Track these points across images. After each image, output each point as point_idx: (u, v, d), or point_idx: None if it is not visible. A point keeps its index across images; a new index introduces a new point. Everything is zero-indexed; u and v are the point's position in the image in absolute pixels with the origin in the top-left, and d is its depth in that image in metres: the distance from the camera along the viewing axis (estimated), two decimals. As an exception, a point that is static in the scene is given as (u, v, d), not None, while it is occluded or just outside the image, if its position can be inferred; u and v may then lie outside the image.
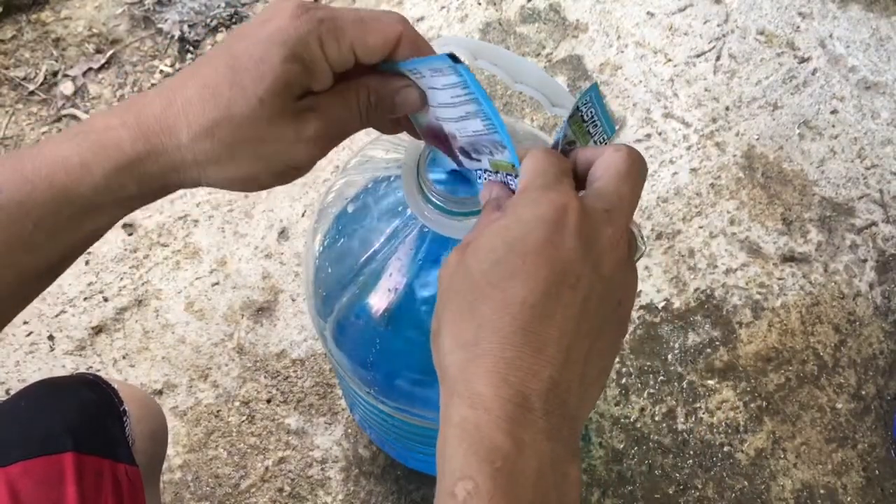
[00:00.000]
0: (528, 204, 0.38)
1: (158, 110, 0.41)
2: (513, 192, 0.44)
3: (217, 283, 1.12)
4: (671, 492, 1.04)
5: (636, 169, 0.40)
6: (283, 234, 1.15)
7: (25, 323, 1.09)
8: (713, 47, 1.31)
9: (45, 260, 0.42)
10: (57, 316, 1.09)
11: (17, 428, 0.61)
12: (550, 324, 0.36)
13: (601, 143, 0.45)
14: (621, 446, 1.06)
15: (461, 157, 0.48)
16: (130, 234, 1.14)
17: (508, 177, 0.45)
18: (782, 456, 1.06)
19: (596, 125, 0.44)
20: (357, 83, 0.44)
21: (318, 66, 0.41)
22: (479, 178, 0.48)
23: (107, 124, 0.41)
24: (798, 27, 1.33)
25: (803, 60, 1.30)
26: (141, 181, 0.41)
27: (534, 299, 0.36)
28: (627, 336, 1.11)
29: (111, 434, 0.64)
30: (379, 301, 0.63)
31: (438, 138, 0.48)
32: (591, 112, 0.43)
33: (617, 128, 1.24)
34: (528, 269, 0.36)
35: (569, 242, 0.36)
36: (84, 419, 0.62)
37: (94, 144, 0.40)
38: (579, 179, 0.41)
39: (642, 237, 0.42)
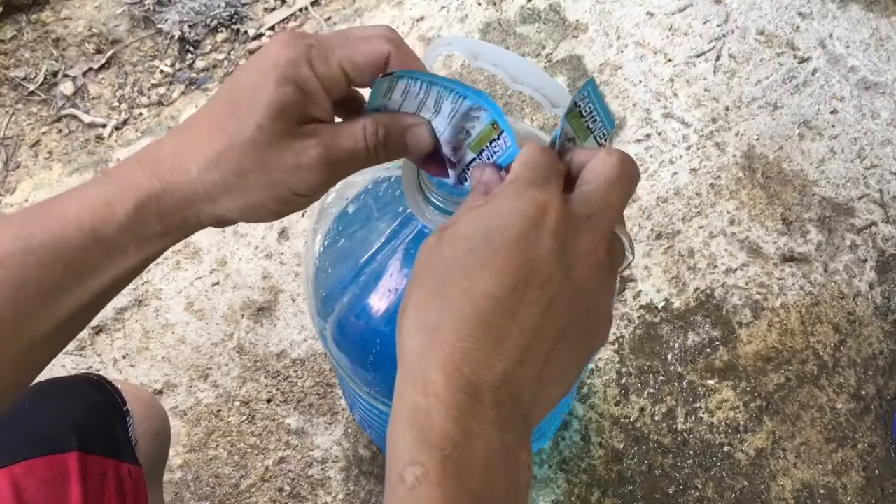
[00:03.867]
0: (510, 196, 0.38)
1: (170, 150, 0.43)
2: (501, 173, 0.43)
3: (217, 283, 1.12)
4: (671, 492, 1.04)
5: (626, 176, 0.39)
6: (283, 234, 1.15)
7: (25, 323, 1.09)
8: (713, 47, 1.31)
9: (77, 303, 0.43)
10: (57, 316, 1.09)
11: (22, 427, 0.61)
12: (512, 319, 0.36)
13: (601, 137, 0.45)
14: (621, 446, 1.06)
15: (450, 160, 0.48)
16: (130, 234, 1.14)
17: (493, 143, 0.45)
18: (782, 456, 1.06)
19: (595, 120, 0.44)
20: (365, 116, 0.45)
21: (312, 86, 0.42)
22: (469, 178, 0.48)
23: (128, 167, 0.43)
24: (798, 27, 1.33)
25: (803, 60, 1.30)
26: (161, 217, 0.43)
27: (500, 293, 0.36)
28: (627, 336, 1.11)
29: (115, 434, 0.65)
30: (379, 301, 0.63)
31: (433, 159, 0.48)
32: (590, 107, 0.43)
33: (616, 122, 1.24)
34: (500, 262, 0.36)
35: (544, 241, 0.36)
36: (88, 419, 0.63)
37: (116, 186, 0.42)
38: (572, 181, 0.41)
39: (631, 247, 0.42)
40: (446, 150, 0.47)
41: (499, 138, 0.44)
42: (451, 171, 0.48)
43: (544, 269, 0.36)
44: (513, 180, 0.38)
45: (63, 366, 1.07)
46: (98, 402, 0.65)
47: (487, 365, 0.35)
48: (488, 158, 0.45)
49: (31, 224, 0.42)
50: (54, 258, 0.41)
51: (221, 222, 0.44)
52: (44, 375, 1.09)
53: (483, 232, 0.37)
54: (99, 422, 0.64)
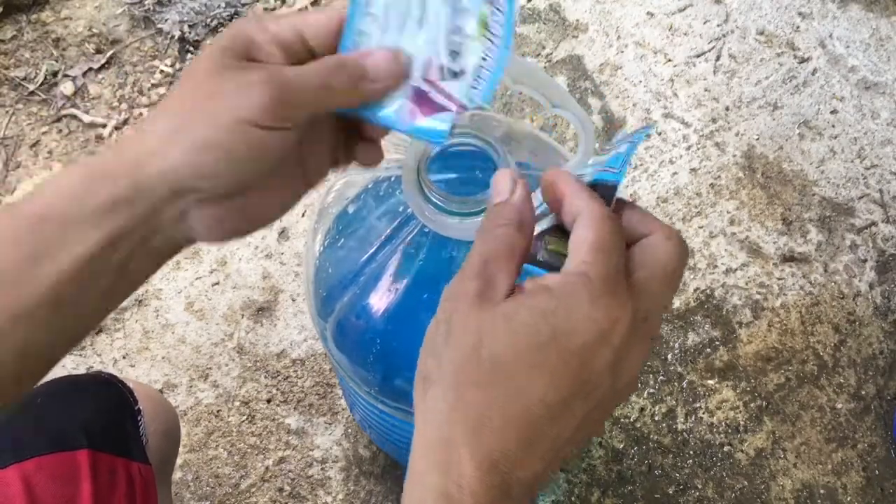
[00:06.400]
0: (585, 301, 0.35)
1: (135, 146, 0.39)
2: (531, 201, 0.40)
3: (217, 283, 1.12)
4: (671, 492, 1.04)
5: (683, 267, 0.38)
6: (283, 234, 1.15)
7: (25, 323, 1.09)
8: (713, 47, 1.31)
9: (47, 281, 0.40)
10: (57, 316, 1.09)
11: (33, 424, 0.61)
12: (554, 425, 0.35)
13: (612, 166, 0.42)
14: (621, 446, 1.06)
15: (451, 70, 0.43)
16: (130, 234, 1.14)
17: (494, 17, 0.42)
18: (782, 456, 1.06)
19: (620, 161, 0.42)
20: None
21: (259, 37, 0.40)
22: (477, 100, 0.44)
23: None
24: (798, 27, 1.33)
25: (803, 60, 1.30)
26: (110, 188, 0.39)
27: (551, 400, 0.35)
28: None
29: (126, 432, 0.65)
30: (379, 301, 0.63)
31: (422, 100, 0.44)
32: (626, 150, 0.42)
33: (618, 124, 1.24)
34: (559, 370, 0.35)
35: (605, 356, 0.36)
36: (99, 417, 0.63)
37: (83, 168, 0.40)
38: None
39: None
40: (444, 59, 0.43)
41: (497, 12, 0.42)
42: (452, 98, 0.43)
43: (595, 381, 0.36)
44: (587, 275, 0.36)
45: (63, 366, 1.07)
46: (109, 401, 0.65)
47: (522, 465, 0.35)
48: (490, 45, 0.42)
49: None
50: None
51: (199, 234, 0.41)
52: (51, 375, 1.09)
53: (550, 331, 0.35)
54: (110, 420, 0.64)
